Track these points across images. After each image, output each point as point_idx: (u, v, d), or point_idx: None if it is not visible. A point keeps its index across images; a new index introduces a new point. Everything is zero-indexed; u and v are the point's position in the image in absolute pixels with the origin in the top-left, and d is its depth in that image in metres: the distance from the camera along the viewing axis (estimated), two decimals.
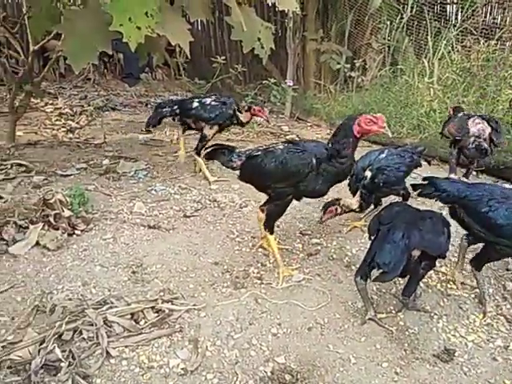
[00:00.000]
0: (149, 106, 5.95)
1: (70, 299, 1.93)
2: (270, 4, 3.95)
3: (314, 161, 2.10)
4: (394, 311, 2.04)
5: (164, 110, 3.55)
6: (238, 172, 2.32)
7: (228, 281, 2.19)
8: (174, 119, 3.61)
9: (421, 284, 2.07)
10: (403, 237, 1.81)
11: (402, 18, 5.71)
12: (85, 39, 2.94)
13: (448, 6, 6.17)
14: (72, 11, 3.24)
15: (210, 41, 8.17)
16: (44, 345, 1.64)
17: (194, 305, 1.97)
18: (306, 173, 2.11)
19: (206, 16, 3.55)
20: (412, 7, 5.65)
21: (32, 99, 3.99)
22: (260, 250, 2.49)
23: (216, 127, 3.48)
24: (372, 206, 2.80)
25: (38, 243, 2.30)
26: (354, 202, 2.56)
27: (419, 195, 2.23)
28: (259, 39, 3.73)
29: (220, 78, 6.09)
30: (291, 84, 5.89)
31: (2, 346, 1.64)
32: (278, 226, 2.70)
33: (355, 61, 6.08)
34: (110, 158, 3.73)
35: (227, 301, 2.03)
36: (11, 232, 2.33)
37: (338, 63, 6.19)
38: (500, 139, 3.22)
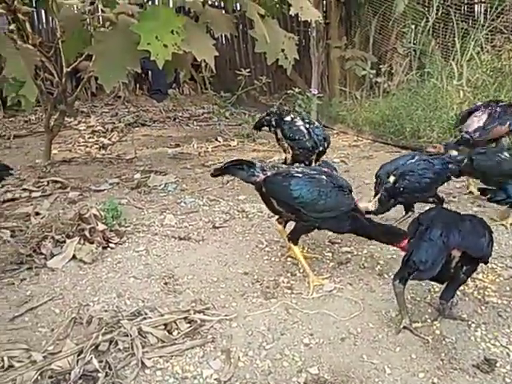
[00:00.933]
0: (176, 120, 6.09)
1: (106, 311, 1.99)
2: (293, 15, 4.00)
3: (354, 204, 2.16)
4: (429, 320, 1.98)
5: (266, 118, 3.63)
6: (262, 188, 2.26)
7: (258, 291, 2.19)
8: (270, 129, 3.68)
9: (457, 292, 2.00)
10: (441, 235, 1.77)
11: (427, 20, 5.62)
12: (115, 59, 3.07)
13: (476, 5, 6.03)
14: (102, 33, 3.38)
15: (234, 54, 8.30)
16: (82, 355, 1.69)
17: (226, 315, 1.98)
18: (343, 213, 2.16)
19: (229, 30, 3.64)
20: (437, 9, 5.56)
21: (66, 118, 4.17)
22: (289, 259, 2.48)
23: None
24: (404, 213, 2.76)
25: (74, 257, 2.39)
26: (370, 204, 2.52)
27: (489, 200, 2.17)
28: (283, 50, 3.78)
29: (245, 90, 6.16)
30: (316, 92, 5.89)
31: (44, 356, 1.70)
32: (306, 235, 2.69)
33: (381, 66, 6.03)
34: (140, 172, 3.84)
35: (258, 311, 2.03)
36: (49, 246, 2.43)
37: (364, 69, 6.15)
38: None
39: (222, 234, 2.81)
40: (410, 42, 5.82)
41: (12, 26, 3.72)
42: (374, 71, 6.02)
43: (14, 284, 2.19)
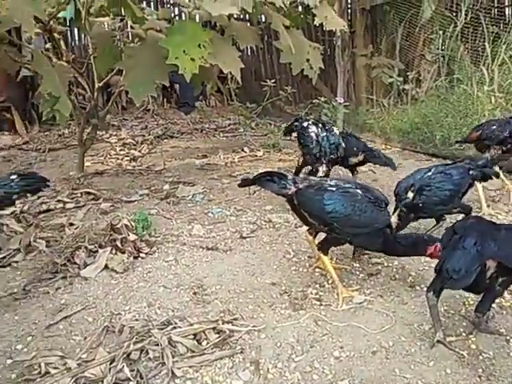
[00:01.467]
0: (203, 131, 6.19)
1: (137, 320, 2.02)
2: (318, 25, 4.01)
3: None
4: (464, 334, 1.91)
5: (295, 124, 3.61)
6: (294, 200, 2.22)
7: (286, 302, 2.18)
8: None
9: (493, 305, 1.93)
10: (475, 244, 1.72)
11: (455, 25, 5.52)
12: (144, 73, 3.17)
13: (506, 8, 5.88)
14: (131, 48, 3.50)
15: (259, 65, 8.38)
16: (114, 364, 1.73)
17: (254, 326, 1.98)
18: (377, 229, 2.14)
19: (255, 42, 3.69)
20: (466, 14, 5.45)
21: (98, 132, 4.31)
22: (317, 270, 2.46)
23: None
24: (435, 222, 2.70)
25: (106, 266, 2.44)
26: (392, 221, 2.42)
27: None
28: (308, 60, 3.79)
29: (270, 100, 6.21)
30: (342, 101, 5.86)
31: (78, 364, 1.74)
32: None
33: (408, 73, 5.95)
34: (169, 183, 3.91)
35: (287, 322, 2.02)
36: (82, 256, 2.50)
37: (390, 77, 6.08)
38: None
39: (249, 244, 2.82)
40: (437, 48, 5.72)
41: (48, 45, 3.90)
42: (402, 78, 5.95)
43: (49, 293, 2.26)
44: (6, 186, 2.05)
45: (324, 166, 3.20)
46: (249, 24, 4.83)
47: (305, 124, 3.42)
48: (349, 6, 6.94)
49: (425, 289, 1.86)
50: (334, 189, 2.19)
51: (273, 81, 6.13)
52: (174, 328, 1.93)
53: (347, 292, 2.21)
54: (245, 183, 2.41)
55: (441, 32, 5.63)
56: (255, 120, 6.15)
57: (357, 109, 6.32)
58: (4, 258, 2.55)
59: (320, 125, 3.38)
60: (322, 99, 5.81)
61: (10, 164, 4.56)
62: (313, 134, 3.27)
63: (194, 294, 2.27)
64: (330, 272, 2.25)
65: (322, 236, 2.31)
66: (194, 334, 1.90)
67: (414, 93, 5.83)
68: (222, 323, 1.97)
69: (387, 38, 6.46)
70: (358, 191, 2.21)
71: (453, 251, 1.77)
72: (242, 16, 5.80)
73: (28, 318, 2.05)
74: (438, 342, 1.84)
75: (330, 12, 3.73)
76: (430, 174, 2.60)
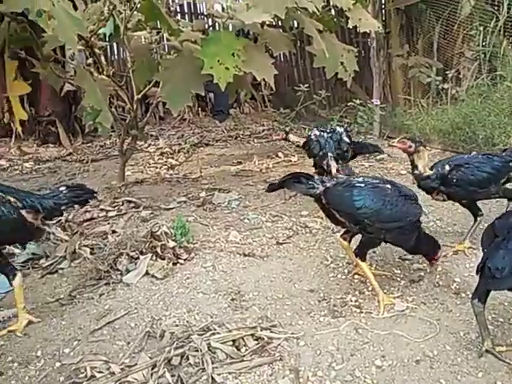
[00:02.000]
0: (238, 138, 6.25)
1: (177, 325, 2.05)
2: (351, 27, 3.97)
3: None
4: None
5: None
6: (323, 199, 2.22)
7: (325, 309, 2.15)
8: None
9: None
10: None
11: (497, 20, 5.28)
12: (180, 84, 3.25)
13: None
14: (168, 60, 3.59)
15: (292, 70, 8.38)
16: (156, 369, 1.76)
17: (293, 333, 1.96)
18: (410, 223, 2.11)
19: (288, 48, 3.70)
20: (509, 7, 5.21)
21: (137, 142, 4.44)
22: (356, 276, 2.41)
23: None
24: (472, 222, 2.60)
25: (147, 272, 2.51)
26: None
27: None
28: (342, 63, 3.76)
29: (304, 105, 6.18)
30: (378, 103, 5.75)
31: (121, 369, 1.79)
32: (374, 252, 2.60)
33: (447, 72, 5.74)
34: (205, 190, 3.97)
35: (326, 330, 1.99)
36: (124, 263, 2.58)
37: (428, 76, 5.90)
38: None
39: (285, 250, 2.81)
40: (478, 45, 5.50)
41: (89, 60, 4.08)
42: (440, 77, 5.76)
43: (93, 298, 2.34)
44: (55, 197, 2.15)
45: (332, 160, 3.22)
46: (282, 30, 4.84)
47: (310, 133, 3.60)
48: (383, 6, 6.81)
49: (470, 296, 1.77)
50: (362, 185, 2.20)
51: (306, 85, 6.11)
52: (213, 334, 1.95)
53: (388, 299, 2.15)
54: (272, 188, 2.42)
55: (481, 28, 5.41)
56: (289, 125, 6.14)
57: (394, 110, 6.17)
58: (51, 264, 2.67)
59: (321, 129, 3.50)
60: (358, 102, 5.72)
61: (55, 175, 4.79)
62: (313, 137, 3.41)
63: (232, 300, 2.28)
64: (370, 278, 2.20)
65: (357, 242, 2.27)
66: (233, 341, 1.91)
67: (454, 92, 5.61)
68: (261, 330, 1.97)
69: (424, 36, 6.27)
70: (387, 186, 2.21)
71: (495, 251, 1.69)
72: (274, 22, 5.84)
73: (74, 323, 2.13)
74: (487, 351, 1.75)
75: (363, 14, 3.68)
76: (471, 155, 2.66)
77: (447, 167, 2.51)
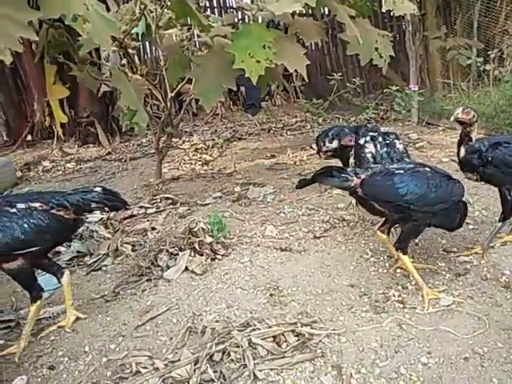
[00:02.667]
0: (271, 131, 6.21)
1: (218, 321, 2.07)
2: (385, 11, 3.82)
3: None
4: None
5: None
6: (359, 191, 2.17)
7: (367, 304, 2.10)
8: None
9: None
10: None
11: None
12: (212, 80, 3.25)
13: None
14: (200, 57, 3.60)
15: (324, 59, 8.22)
16: (198, 365, 1.79)
17: (334, 329, 1.93)
18: (455, 203, 2.07)
19: (320, 37, 3.61)
20: None
21: (173, 139, 4.51)
22: (398, 270, 2.34)
23: None
24: None
25: (186, 268, 2.54)
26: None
27: None
28: (377, 49, 3.62)
29: (337, 94, 6.05)
30: (416, 88, 5.53)
31: (165, 364, 1.83)
32: (416, 244, 2.51)
33: (489, 52, 5.44)
34: (240, 185, 3.98)
35: (368, 326, 1.94)
36: (165, 259, 2.63)
37: (469, 58, 5.61)
38: None
39: (323, 244, 2.77)
40: None
41: (124, 61, 4.16)
42: (482, 59, 5.46)
43: (136, 294, 2.40)
44: (84, 193, 2.22)
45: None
46: (313, 18, 4.73)
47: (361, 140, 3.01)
48: None
49: None
50: (402, 171, 2.14)
51: (339, 74, 5.96)
52: (254, 330, 1.95)
53: (433, 293, 2.07)
54: (303, 184, 2.38)
55: None
56: (322, 115, 6.03)
57: (432, 95, 5.92)
58: (95, 262, 2.76)
59: (371, 133, 3.01)
60: (394, 88, 5.53)
61: (96, 174, 4.95)
62: (368, 154, 2.85)
63: (271, 295, 2.27)
64: (412, 272, 2.13)
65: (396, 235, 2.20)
66: (274, 337, 1.90)
67: (497, 73, 5.31)
68: (301, 326, 1.95)
69: (463, 16, 5.97)
70: (427, 169, 2.16)
71: None
72: (305, 11, 5.74)
73: (118, 319, 2.20)
74: None
75: None
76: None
77: (486, 143, 2.39)
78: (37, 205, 2.04)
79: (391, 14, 3.89)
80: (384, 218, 2.29)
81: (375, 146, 2.82)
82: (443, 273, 2.28)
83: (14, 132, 6.36)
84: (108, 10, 3.52)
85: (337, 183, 2.20)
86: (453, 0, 6.30)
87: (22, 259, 1.98)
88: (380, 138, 2.84)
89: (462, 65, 5.75)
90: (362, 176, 2.18)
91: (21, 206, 2.00)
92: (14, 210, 1.98)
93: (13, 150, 6.09)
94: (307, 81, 5.51)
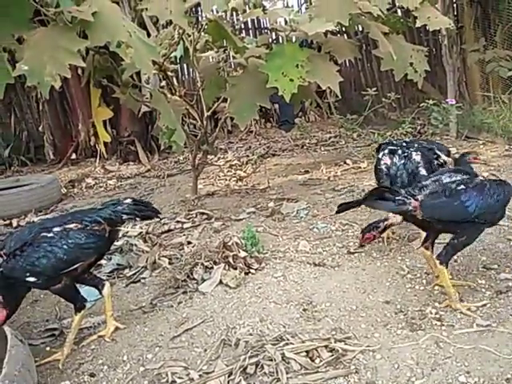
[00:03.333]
0: (304, 147, 6.24)
1: (251, 334, 2.09)
2: (420, 26, 3.81)
3: None
4: None
5: None
6: (418, 214, 2.01)
7: (402, 321, 2.06)
8: None
9: None
10: None
11: None
12: (247, 99, 3.35)
13: None
14: (235, 77, 3.73)
15: (359, 75, 8.22)
16: (232, 377, 1.81)
17: (368, 346, 1.91)
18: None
19: (353, 55, 3.64)
20: None
21: (208, 156, 4.64)
22: (437, 287, 2.28)
23: None
24: None
25: (221, 282, 2.58)
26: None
27: None
28: (411, 64, 3.62)
29: (372, 109, 6.02)
30: (453, 102, 5.42)
31: (199, 375, 1.87)
32: (455, 261, 2.45)
33: None
34: (274, 200, 4.02)
35: (404, 343, 1.90)
36: (200, 272, 2.70)
37: (510, 70, 5.45)
38: None
39: (357, 259, 2.74)
40: None
41: (163, 83, 4.37)
42: None
43: (172, 306, 2.47)
44: (114, 206, 2.31)
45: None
46: (346, 36, 4.77)
47: (380, 154, 2.92)
48: (454, 0, 6.44)
49: None
50: (463, 186, 2.05)
51: (374, 89, 5.94)
52: (287, 344, 1.96)
53: (471, 311, 2.00)
54: (345, 208, 2.20)
55: None
56: (357, 131, 6.01)
57: (472, 108, 5.77)
58: (134, 274, 2.87)
59: (392, 146, 2.91)
60: (431, 102, 5.44)
61: (135, 190, 5.15)
62: (383, 166, 2.83)
63: (304, 310, 2.28)
64: (449, 287, 2.06)
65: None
66: (307, 351, 1.90)
67: None
68: (335, 341, 1.94)
69: (503, 27, 5.82)
70: (480, 178, 2.12)
71: None
72: (338, 30, 5.81)
73: (155, 330, 2.27)
74: None
75: (432, 12, 3.52)
76: None
77: None
78: (72, 226, 2.14)
79: (427, 28, 3.87)
80: (426, 234, 2.22)
81: (391, 158, 2.79)
82: (483, 290, 2.20)
83: (60, 151, 6.75)
84: (148, 35, 3.74)
85: (393, 207, 1.99)
86: (492, 11, 6.17)
87: (64, 278, 2.09)
88: (399, 151, 2.81)
89: (502, 77, 5.58)
90: (419, 197, 2.02)
91: (56, 229, 2.10)
92: (51, 235, 2.07)
93: (58, 168, 6.45)
94: (341, 97, 5.55)
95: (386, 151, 2.86)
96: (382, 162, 2.82)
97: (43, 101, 6.55)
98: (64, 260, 2.05)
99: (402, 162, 2.74)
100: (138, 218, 2.38)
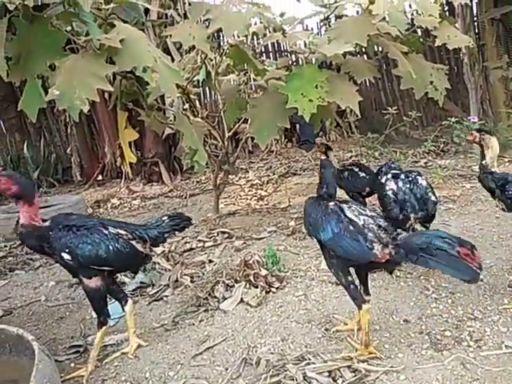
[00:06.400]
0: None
1: (272, 353, 2.08)
2: (440, 45, 3.82)
3: None
4: None
5: None
6: None
7: (427, 342, 2.01)
8: None
9: None
10: None
11: None
12: (267, 119, 3.40)
13: None
14: (255, 99, 3.80)
15: (379, 94, 8.23)
16: None
17: (392, 366, 1.87)
18: None
19: (372, 74, 3.66)
20: None
21: (229, 176, 4.70)
22: (460, 308, 2.21)
23: None
24: None
25: (242, 300, 2.59)
26: None
27: None
28: (431, 82, 3.61)
29: (394, 127, 6.00)
30: (476, 120, 5.35)
31: None
32: (481, 280, 2.38)
33: None
34: (295, 219, 4.02)
35: (428, 364, 1.85)
36: (221, 290, 2.71)
37: None
38: None
39: (380, 279, 2.70)
40: None
41: (186, 106, 4.49)
42: None
43: (194, 324, 2.48)
44: (159, 226, 2.39)
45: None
46: (365, 56, 4.81)
47: (383, 179, 2.79)
48: (475, 18, 6.44)
49: None
50: None
51: (395, 108, 5.94)
52: (308, 364, 1.94)
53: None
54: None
55: None
56: (378, 149, 5.99)
57: (496, 126, 5.68)
58: (157, 292, 2.91)
59: (394, 166, 2.87)
60: (453, 120, 5.39)
61: (159, 210, 5.24)
62: (389, 192, 2.66)
63: (326, 330, 2.25)
64: None
65: None
66: (329, 371, 1.88)
67: None
68: (358, 362, 1.91)
69: None
70: None
71: None
72: (358, 50, 5.87)
73: (177, 348, 2.28)
74: None
75: (451, 30, 3.53)
76: None
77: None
78: (123, 232, 2.24)
79: (447, 46, 3.88)
80: None
81: (396, 183, 2.64)
82: (511, 311, 2.13)
83: (87, 172, 6.97)
84: (172, 60, 3.88)
85: None
86: None
87: (99, 279, 2.16)
88: (402, 176, 2.70)
89: None
90: None
91: (112, 230, 2.22)
92: (106, 232, 2.19)
93: (85, 188, 6.65)
94: (361, 116, 5.56)
95: (389, 176, 2.73)
96: (388, 188, 2.66)
97: (71, 124, 6.83)
98: (101, 257, 2.12)
99: (408, 186, 2.61)
100: (176, 232, 2.46)
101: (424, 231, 2.11)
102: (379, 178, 2.84)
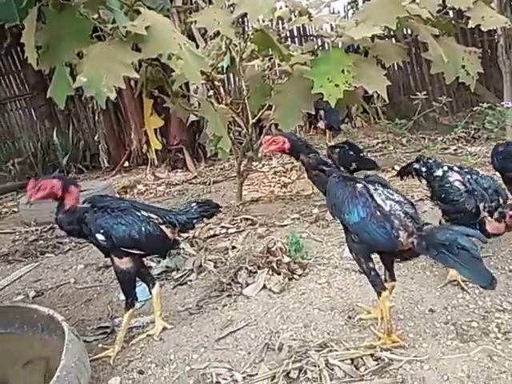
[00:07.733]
0: None
1: (294, 339, 2.09)
2: (473, 27, 3.65)
3: None
4: None
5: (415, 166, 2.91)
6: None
7: (452, 332, 1.97)
8: None
9: None
10: None
11: None
12: (291, 106, 3.36)
13: None
14: (279, 85, 3.76)
15: (408, 78, 8.00)
16: (275, 380, 1.83)
17: (416, 356, 1.85)
18: None
19: (401, 58, 3.55)
20: None
21: (253, 163, 4.69)
22: (488, 299, 2.16)
23: None
24: None
25: (264, 286, 2.61)
26: None
27: None
28: (463, 66, 3.47)
29: (422, 113, 5.82)
30: (510, 105, 5.13)
31: (243, 377, 1.90)
32: (510, 271, 2.30)
33: None
34: (318, 206, 3.99)
35: (454, 355, 1.82)
36: (244, 276, 2.74)
37: None
38: None
39: (405, 268, 2.66)
40: None
41: (210, 92, 4.49)
42: None
43: (217, 309, 2.52)
44: (188, 212, 2.43)
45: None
46: (394, 40, 4.66)
47: (439, 172, 2.57)
48: None
49: None
50: None
51: (424, 93, 5.75)
52: (331, 351, 1.94)
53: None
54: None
55: None
56: (406, 136, 5.84)
57: None
58: (181, 277, 2.96)
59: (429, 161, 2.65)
60: (485, 105, 5.18)
61: (183, 196, 5.31)
62: (457, 183, 2.44)
63: (349, 318, 2.25)
64: None
65: None
66: (352, 359, 1.88)
67: None
68: (381, 350, 1.90)
69: None
70: None
71: None
72: (386, 33, 5.69)
73: (201, 331, 2.33)
74: None
75: (486, 11, 3.36)
76: None
77: None
78: (154, 216, 2.30)
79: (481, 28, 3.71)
80: None
81: (459, 173, 2.45)
82: None
83: (114, 159, 7.11)
84: (197, 46, 3.87)
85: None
86: None
87: (130, 261, 2.21)
88: (456, 168, 2.56)
89: None
90: None
91: (144, 213, 2.28)
92: (138, 214, 2.26)
93: (112, 174, 6.79)
94: (389, 101, 5.42)
95: (446, 168, 2.55)
96: (452, 179, 2.44)
97: (99, 111, 6.94)
98: (133, 238, 2.18)
99: (475, 178, 2.41)
100: (205, 219, 2.50)
101: (451, 226, 2.00)
102: (432, 171, 2.60)
